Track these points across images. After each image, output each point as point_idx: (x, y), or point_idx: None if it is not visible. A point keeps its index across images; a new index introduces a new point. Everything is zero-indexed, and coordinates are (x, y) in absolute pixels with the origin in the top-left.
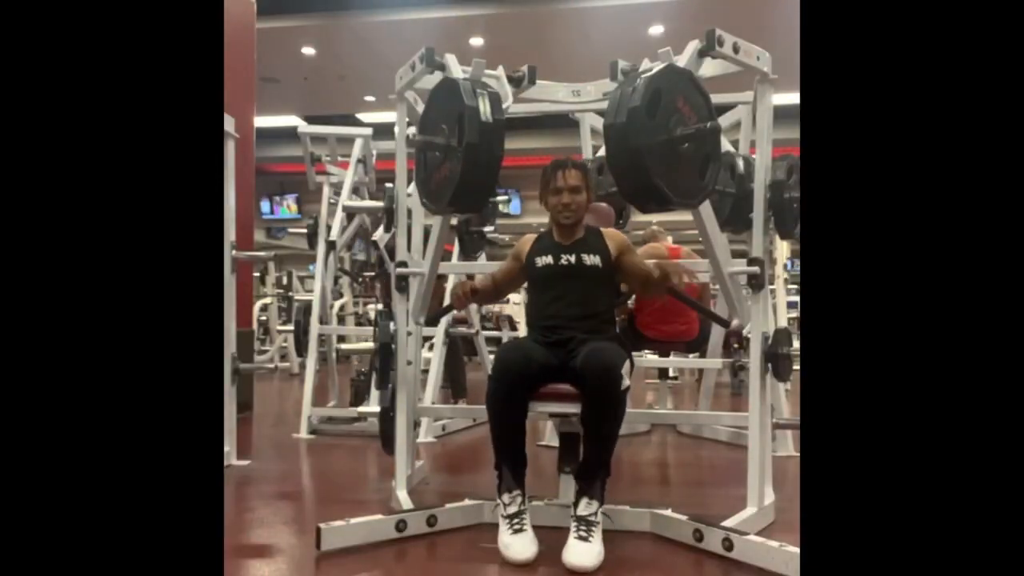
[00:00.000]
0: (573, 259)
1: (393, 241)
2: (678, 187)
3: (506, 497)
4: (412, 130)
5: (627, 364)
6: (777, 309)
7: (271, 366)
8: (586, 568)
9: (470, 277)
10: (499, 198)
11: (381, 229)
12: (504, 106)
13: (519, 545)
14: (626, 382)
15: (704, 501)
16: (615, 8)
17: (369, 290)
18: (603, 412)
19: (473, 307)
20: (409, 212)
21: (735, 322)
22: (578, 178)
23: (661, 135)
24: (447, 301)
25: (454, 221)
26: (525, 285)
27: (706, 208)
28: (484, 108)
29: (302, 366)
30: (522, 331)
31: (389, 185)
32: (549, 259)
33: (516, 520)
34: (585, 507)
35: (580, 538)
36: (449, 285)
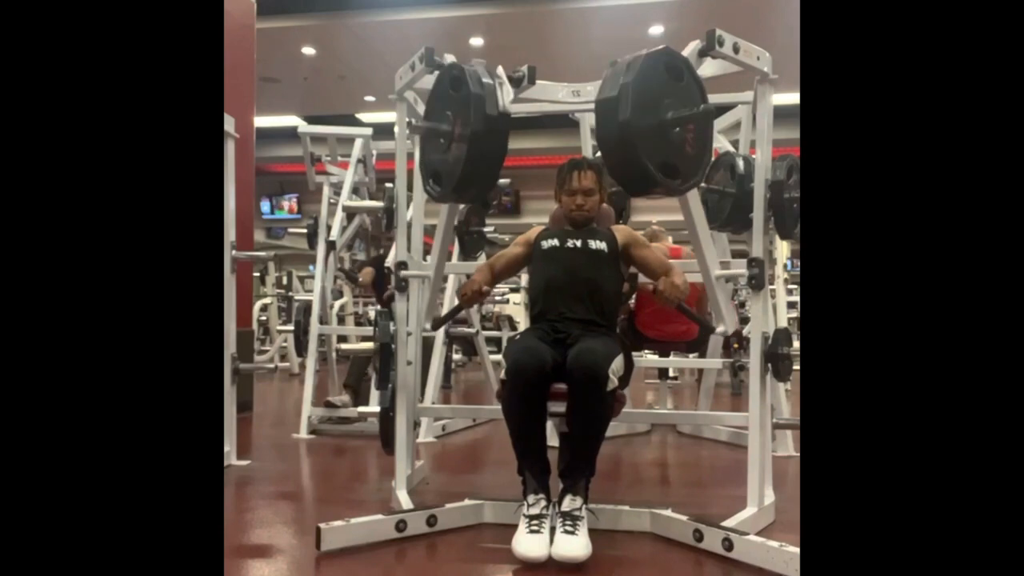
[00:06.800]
0: (579, 243)
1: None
2: (665, 167)
3: (531, 498)
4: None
5: (618, 362)
6: (777, 309)
7: (271, 366)
8: (575, 558)
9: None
10: (501, 181)
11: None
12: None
13: (530, 543)
14: (614, 382)
15: (704, 501)
16: (615, 8)
17: (368, 290)
18: (587, 411)
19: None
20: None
21: (720, 328)
22: (593, 180)
23: (651, 116)
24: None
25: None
26: (526, 284)
27: (695, 199)
28: (490, 98)
29: (302, 366)
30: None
31: (389, 185)
32: (555, 241)
33: (536, 521)
34: (569, 503)
35: (566, 532)
36: (449, 287)
